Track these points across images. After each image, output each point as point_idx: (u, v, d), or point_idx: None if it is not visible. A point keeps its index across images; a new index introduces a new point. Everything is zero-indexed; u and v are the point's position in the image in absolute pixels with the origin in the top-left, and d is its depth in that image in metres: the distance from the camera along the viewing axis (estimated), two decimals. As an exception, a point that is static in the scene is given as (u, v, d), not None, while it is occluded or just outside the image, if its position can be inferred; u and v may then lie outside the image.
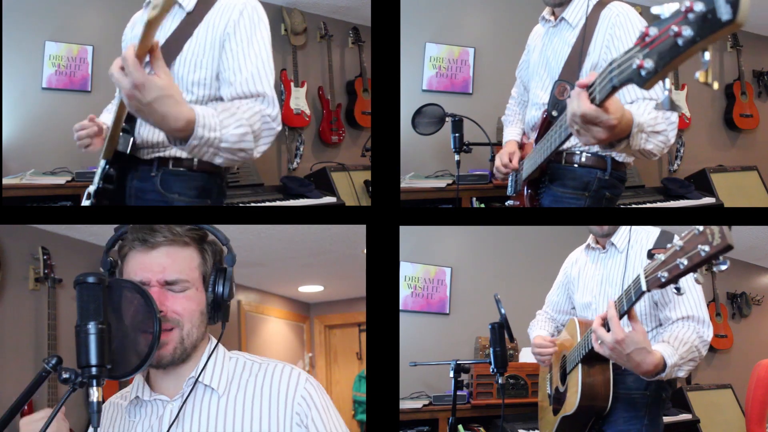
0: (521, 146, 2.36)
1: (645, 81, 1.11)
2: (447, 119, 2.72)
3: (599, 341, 1.71)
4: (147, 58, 1.47)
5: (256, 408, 1.35)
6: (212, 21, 1.73)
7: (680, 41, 1.02)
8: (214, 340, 1.42)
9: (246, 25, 1.72)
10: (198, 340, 1.38)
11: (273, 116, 1.70)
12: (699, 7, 0.99)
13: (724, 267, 1.34)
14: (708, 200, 3.77)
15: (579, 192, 2.07)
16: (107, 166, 1.76)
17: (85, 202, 1.81)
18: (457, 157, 2.68)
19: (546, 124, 2.10)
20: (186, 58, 1.72)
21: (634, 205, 3.57)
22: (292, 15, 3.93)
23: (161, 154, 1.77)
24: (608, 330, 1.68)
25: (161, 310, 1.30)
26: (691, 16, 1.00)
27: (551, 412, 2.19)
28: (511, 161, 2.29)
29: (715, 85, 1.11)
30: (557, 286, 2.41)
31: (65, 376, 1.16)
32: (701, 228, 1.35)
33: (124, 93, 1.46)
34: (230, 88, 1.70)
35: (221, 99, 1.74)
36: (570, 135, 1.63)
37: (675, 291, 1.46)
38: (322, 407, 1.37)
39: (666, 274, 1.44)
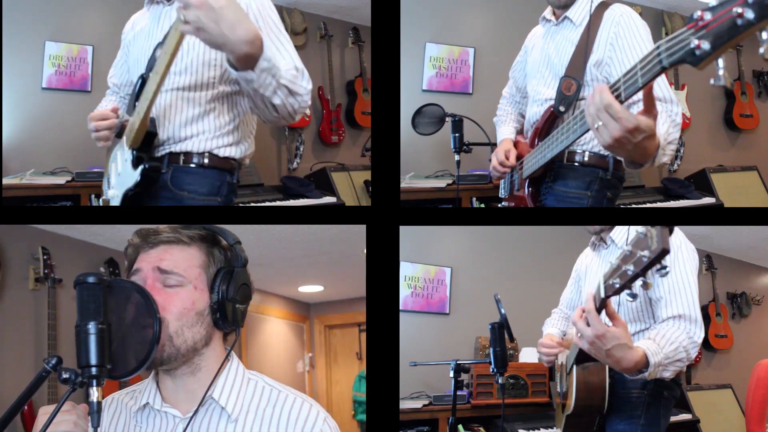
0: (515, 144, 2.37)
1: (700, 60, 1.17)
2: (447, 119, 2.72)
3: (579, 335, 1.63)
4: None
5: None
6: None
7: (740, 21, 1.09)
8: (233, 356, 1.39)
9: (264, 5, 1.77)
10: (196, 343, 1.32)
11: (307, 90, 1.73)
12: None
13: (664, 272, 1.33)
14: (708, 200, 3.77)
15: (581, 191, 2.07)
16: (134, 151, 1.77)
17: (117, 200, 1.81)
18: (457, 157, 2.68)
19: (551, 119, 2.11)
20: (199, 43, 1.71)
21: (634, 205, 3.57)
22: (292, 15, 3.93)
23: (172, 149, 1.77)
24: (588, 324, 1.60)
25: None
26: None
27: (561, 410, 2.21)
28: (508, 158, 2.29)
29: None
30: (570, 284, 2.43)
31: (65, 376, 1.16)
32: (643, 231, 1.35)
33: (191, 4, 1.47)
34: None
35: (231, 80, 1.77)
36: (587, 130, 1.61)
37: (629, 298, 1.45)
38: None
39: (618, 280, 1.43)
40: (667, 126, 1.80)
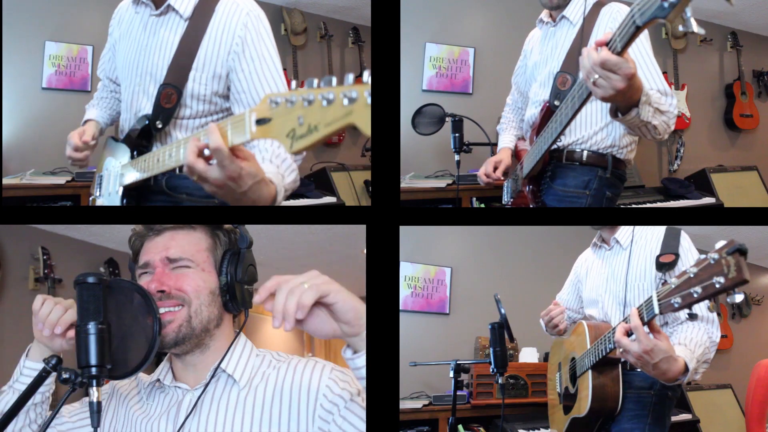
0: (515, 154, 2.38)
1: (668, 12, 1.23)
2: (447, 119, 2.72)
3: (621, 350, 1.68)
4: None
5: (276, 401, 1.32)
6: (216, 35, 1.68)
7: None
8: (241, 334, 1.42)
9: (253, 39, 1.67)
10: (209, 323, 1.36)
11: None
12: None
13: (739, 298, 1.34)
14: (708, 200, 3.76)
15: (580, 190, 2.07)
16: (125, 193, 1.74)
17: (115, 199, 1.80)
18: (457, 157, 2.68)
19: (548, 115, 2.11)
20: (193, 78, 1.69)
21: (634, 205, 3.57)
22: (292, 15, 3.93)
23: None
24: (632, 339, 1.64)
25: (164, 289, 1.32)
26: None
27: (561, 411, 2.20)
28: (495, 170, 2.31)
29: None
30: (568, 284, 2.42)
31: (65, 376, 1.16)
32: (716, 257, 1.35)
33: (213, 184, 1.30)
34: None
35: (225, 111, 1.74)
36: (589, 95, 1.64)
37: (688, 317, 1.46)
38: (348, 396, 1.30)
39: (679, 300, 1.44)
40: (658, 96, 1.82)
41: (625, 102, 1.65)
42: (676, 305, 1.44)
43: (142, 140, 1.74)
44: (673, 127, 1.87)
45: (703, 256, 1.40)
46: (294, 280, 1.10)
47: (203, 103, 1.71)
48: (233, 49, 1.66)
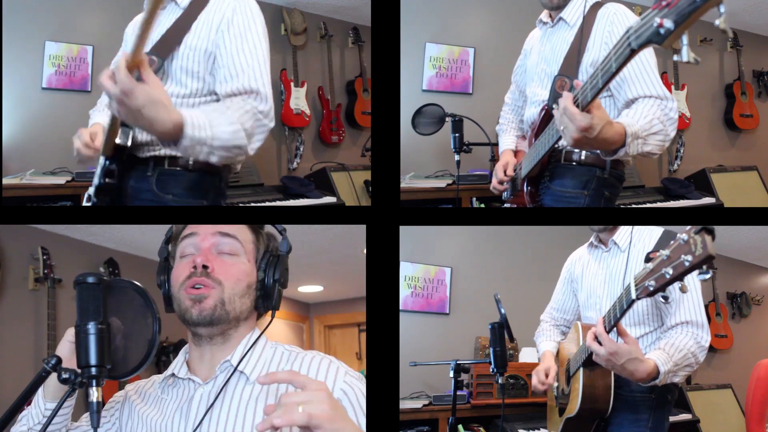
0: (515, 153, 2.38)
1: (664, 39, 1.23)
2: (447, 119, 2.72)
3: (594, 354, 1.78)
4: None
5: None
6: (207, 17, 1.76)
7: None
8: (258, 331, 1.44)
9: (239, 21, 1.74)
10: (242, 313, 1.39)
11: (265, 112, 1.71)
12: None
13: (707, 276, 1.38)
14: (708, 200, 3.76)
15: (578, 191, 2.07)
16: (107, 162, 1.76)
17: (86, 204, 1.81)
18: (457, 157, 2.68)
19: (547, 118, 2.11)
20: (182, 53, 1.74)
21: (634, 205, 3.57)
22: (292, 15, 3.93)
23: (157, 153, 1.77)
24: (600, 344, 1.75)
25: (208, 266, 1.35)
26: None
27: (557, 412, 2.20)
28: (506, 173, 2.31)
29: (729, 32, 1.21)
30: (561, 284, 2.42)
31: (65, 376, 1.16)
32: (685, 237, 1.38)
33: (114, 100, 1.48)
34: (224, 84, 1.71)
35: (215, 93, 1.75)
36: (587, 107, 1.65)
37: (662, 300, 1.50)
38: (360, 405, 1.32)
39: (653, 283, 1.48)
40: (649, 118, 1.81)
41: (603, 149, 1.73)
42: (651, 288, 1.49)
43: None
44: (674, 133, 1.87)
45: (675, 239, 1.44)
46: (294, 398, 1.09)
47: (194, 79, 1.75)
48: (220, 28, 1.74)
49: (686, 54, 1.22)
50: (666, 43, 1.23)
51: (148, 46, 1.76)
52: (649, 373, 1.77)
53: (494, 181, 2.38)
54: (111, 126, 1.72)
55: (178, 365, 1.43)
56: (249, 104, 1.69)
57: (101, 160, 1.78)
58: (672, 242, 1.43)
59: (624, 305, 1.64)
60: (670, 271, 1.42)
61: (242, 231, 1.43)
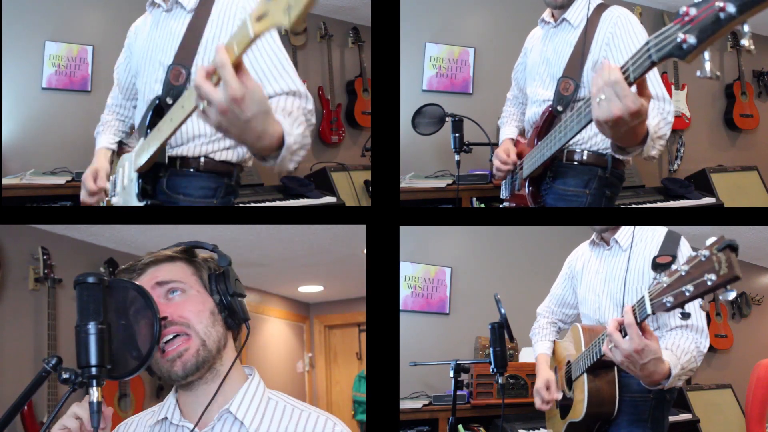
0: (515, 144, 2.38)
1: (687, 54, 1.23)
2: (447, 119, 2.72)
3: (611, 345, 1.62)
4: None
5: None
6: (219, 22, 1.74)
7: (722, 15, 1.16)
8: (254, 373, 1.39)
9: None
10: (219, 343, 1.33)
11: (312, 111, 1.68)
12: None
13: (731, 296, 1.31)
14: (708, 200, 3.76)
15: (580, 189, 2.08)
16: (140, 180, 1.75)
17: (132, 188, 1.81)
18: (457, 157, 2.68)
19: (550, 119, 2.11)
20: (205, 58, 1.73)
21: (634, 205, 3.57)
22: (292, 15, 3.93)
23: (168, 153, 1.77)
24: (624, 336, 1.59)
25: (165, 316, 1.28)
26: None
27: (559, 415, 2.20)
28: (509, 156, 2.30)
29: (752, 49, 1.19)
30: (562, 279, 2.42)
31: (65, 376, 1.16)
32: (706, 254, 1.32)
33: (216, 108, 1.25)
34: (266, 87, 1.67)
35: None
36: (590, 121, 1.59)
37: (681, 316, 1.43)
38: None
39: (671, 299, 1.40)
40: (657, 120, 1.81)
41: (623, 140, 1.61)
42: (669, 305, 1.41)
43: (155, 118, 1.74)
44: (669, 131, 1.89)
45: (693, 254, 1.37)
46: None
47: None
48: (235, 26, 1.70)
49: (708, 70, 1.23)
50: (689, 58, 1.23)
51: (170, 57, 1.76)
52: (664, 375, 1.69)
53: (496, 162, 2.34)
54: (162, 144, 1.68)
55: (170, 410, 1.35)
56: (297, 104, 1.64)
57: (134, 176, 1.77)
58: (690, 257, 1.37)
59: (638, 319, 1.54)
60: (691, 289, 1.35)
61: (177, 269, 1.35)
